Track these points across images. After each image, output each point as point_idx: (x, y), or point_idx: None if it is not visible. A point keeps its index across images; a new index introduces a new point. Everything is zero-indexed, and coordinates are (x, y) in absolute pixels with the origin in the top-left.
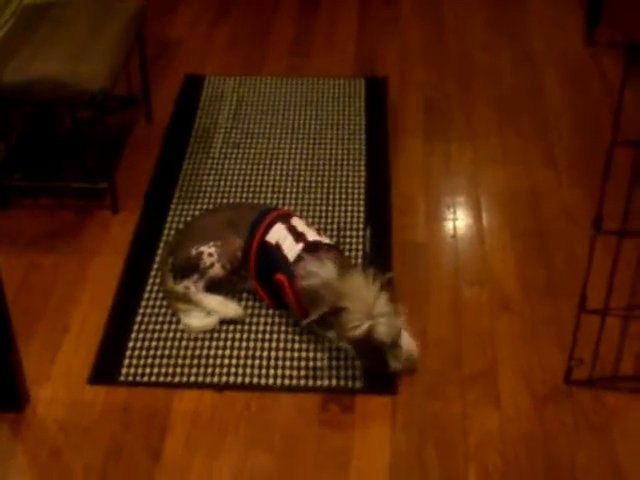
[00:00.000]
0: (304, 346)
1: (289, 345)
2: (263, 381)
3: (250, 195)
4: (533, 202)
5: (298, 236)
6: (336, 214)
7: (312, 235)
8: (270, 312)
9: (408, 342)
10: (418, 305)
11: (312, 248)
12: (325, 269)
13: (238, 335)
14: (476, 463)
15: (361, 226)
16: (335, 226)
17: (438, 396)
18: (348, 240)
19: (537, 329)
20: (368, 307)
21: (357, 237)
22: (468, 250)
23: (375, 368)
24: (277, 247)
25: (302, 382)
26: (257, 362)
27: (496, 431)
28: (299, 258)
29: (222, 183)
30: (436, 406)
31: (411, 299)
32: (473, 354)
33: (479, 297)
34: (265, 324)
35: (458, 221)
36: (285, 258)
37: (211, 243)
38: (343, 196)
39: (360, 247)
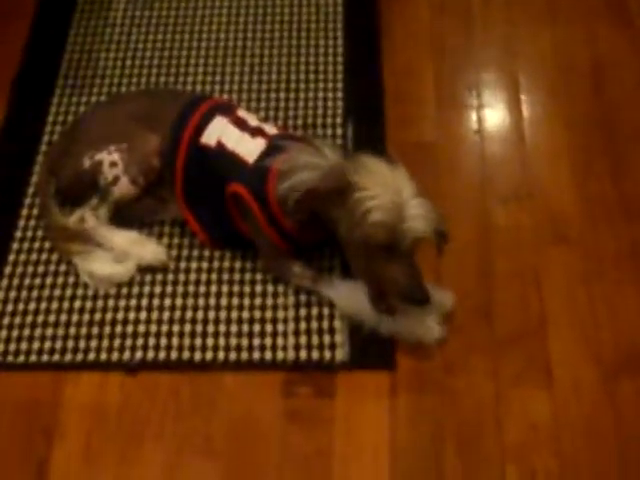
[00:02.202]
0: (258, 302)
1: (235, 302)
2: (198, 356)
3: (170, 80)
4: (596, 78)
5: (253, 131)
6: (300, 104)
7: (272, 129)
8: (207, 254)
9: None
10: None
11: (283, 139)
12: (326, 157)
13: (158, 290)
14: (517, 467)
15: (339, 121)
16: (300, 122)
17: (459, 371)
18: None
19: (605, 269)
20: (394, 192)
21: (334, 138)
22: (500, 152)
23: (408, 295)
24: (221, 148)
25: (256, 355)
26: (188, 328)
27: (546, 420)
28: (270, 151)
29: (127, 63)
30: (456, 386)
31: None
32: (510, 307)
33: (517, 221)
34: (199, 272)
35: (485, 109)
36: (239, 161)
37: (112, 147)
38: (311, 76)
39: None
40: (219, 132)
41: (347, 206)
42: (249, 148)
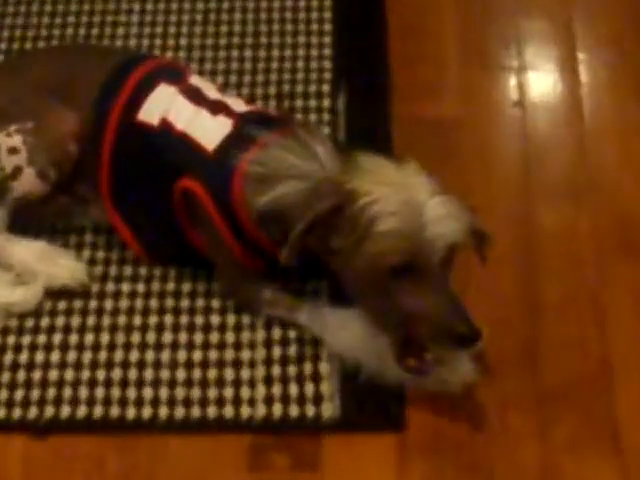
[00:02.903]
0: (214, 339)
1: (183, 338)
2: (131, 413)
3: (94, 32)
4: None
5: (214, 105)
6: (273, 66)
7: (239, 105)
8: (144, 272)
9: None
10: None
11: (257, 124)
12: (317, 158)
13: (77, 321)
14: None
15: (326, 89)
16: (272, 91)
17: (491, 432)
18: (301, 115)
19: None
20: (406, 191)
21: (319, 112)
22: (549, 131)
23: (451, 335)
24: (166, 128)
25: (212, 412)
26: (118, 375)
27: None
28: (237, 139)
29: (33, 9)
30: (488, 453)
31: None
32: (561, 346)
33: (572, 226)
34: (132, 297)
35: (528, 72)
36: (193, 147)
37: (12, 127)
38: (288, 27)
39: (325, 130)
40: (164, 106)
41: (343, 224)
42: (208, 130)
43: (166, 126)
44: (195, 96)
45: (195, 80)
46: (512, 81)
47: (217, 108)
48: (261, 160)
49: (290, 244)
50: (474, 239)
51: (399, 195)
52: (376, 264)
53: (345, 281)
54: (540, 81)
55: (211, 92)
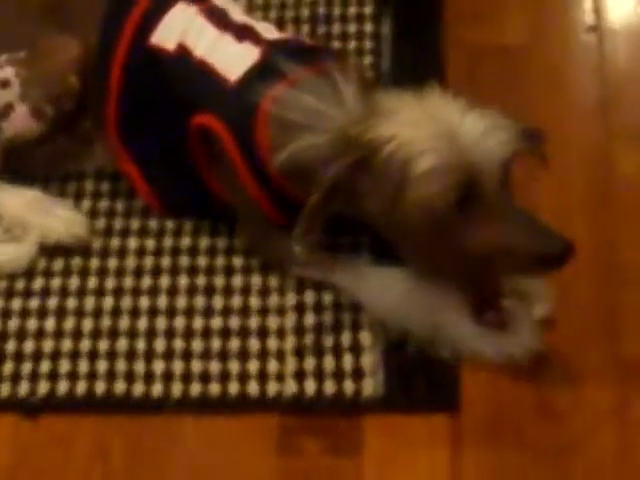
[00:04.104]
0: (237, 303)
1: (199, 303)
2: (139, 389)
3: None
4: None
5: (240, 30)
6: None
7: (270, 31)
8: (154, 226)
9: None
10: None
11: (288, 55)
12: (343, 101)
13: (75, 283)
14: None
15: (368, 11)
16: (306, 14)
17: (563, 412)
18: (339, 43)
19: None
20: (436, 120)
21: (360, 39)
22: (631, 60)
23: (546, 254)
24: (184, 54)
25: (233, 388)
26: (123, 345)
27: None
28: (265, 71)
29: None
30: (560, 436)
31: None
32: None
33: None
34: (141, 254)
35: None
36: (214, 77)
37: (2, 58)
38: None
39: (367, 60)
40: (182, 28)
41: (373, 181)
42: (231, 58)
43: (183, 52)
44: (219, 18)
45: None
46: (587, 3)
47: (243, 33)
48: (286, 101)
49: (305, 221)
50: (526, 143)
51: (427, 128)
52: (427, 210)
53: (396, 240)
54: (619, 2)
55: (237, 14)
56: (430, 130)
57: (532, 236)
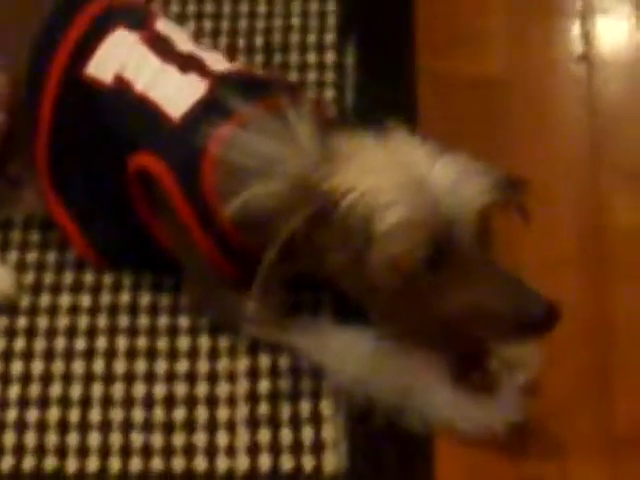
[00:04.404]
0: (182, 368)
1: (141, 368)
2: (73, 465)
3: None
4: None
5: (185, 61)
6: (261, 10)
7: (219, 61)
8: (89, 279)
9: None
10: (499, 254)
11: (237, 90)
12: (298, 142)
13: (0, 345)
14: None
15: (330, 39)
16: (260, 42)
17: None
18: (297, 75)
19: None
20: (402, 167)
21: (321, 69)
22: (624, 93)
23: (528, 318)
24: (122, 88)
25: (178, 464)
26: (55, 416)
27: None
28: (211, 108)
29: None
30: None
31: None
32: None
33: None
34: (74, 313)
35: (597, 17)
36: (155, 114)
37: None
38: None
39: (328, 93)
40: (120, 59)
41: (333, 235)
42: (175, 92)
43: (121, 85)
44: (162, 47)
45: (162, 26)
46: (575, 29)
47: (189, 64)
48: (234, 144)
49: (261, 278)
50: (504, 192)
51: (392, 175)
52: (394, 270)
53: (362, 299)
54: (611, 29)
55: (182, 42)
56: (395, 178)
57: (512, 299)
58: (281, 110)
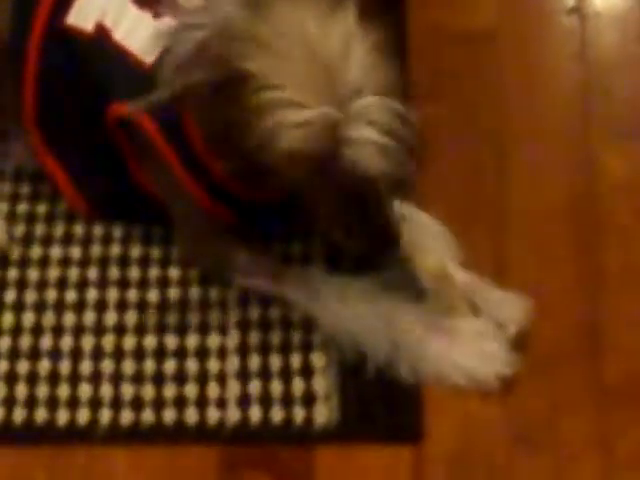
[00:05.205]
0: (172, 320)
1: (131, 320)
2: (64, 417)
3: None
4: None
5: (159, 4)
6: None
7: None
8: (80, 231)
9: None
10: (493, 219)
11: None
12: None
13: None
14: None
15: None
16: None
17: (538, 441)
18: None
19: None
20: (327, 75)
21: None
22: (617, 47)
23: (365, 251)
24: (101, 37)
25: (169, 416)
26: (45, 368)
27: None
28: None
29: None
30: (534, 466)
31: (470, 202)
32: (630, 332)
33: None
34: (65, 264)
35: None
36: (130, 62)
37: None
38: None
39: None
40: (100, 6)
41: (243, 106)
42: (147, 40)
43: (101, 33)
44: None
45: None
46: None
47: (163, 6)
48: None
49: (173, 95)
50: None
51: (312, 83)
52: (295, 164)
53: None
54: None
55: None
56: (309, 73)
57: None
58: None
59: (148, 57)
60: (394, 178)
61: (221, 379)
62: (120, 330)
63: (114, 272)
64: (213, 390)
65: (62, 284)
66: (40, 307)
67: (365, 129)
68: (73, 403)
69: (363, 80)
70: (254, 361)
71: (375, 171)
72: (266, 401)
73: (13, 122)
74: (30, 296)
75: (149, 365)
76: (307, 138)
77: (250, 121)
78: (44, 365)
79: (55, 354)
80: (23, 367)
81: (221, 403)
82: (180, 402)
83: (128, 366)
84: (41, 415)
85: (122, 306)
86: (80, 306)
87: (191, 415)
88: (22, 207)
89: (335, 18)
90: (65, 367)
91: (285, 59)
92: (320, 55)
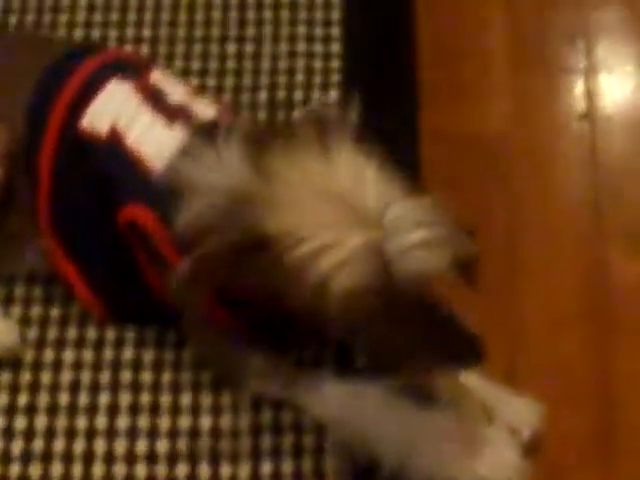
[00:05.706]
0: (185, 424)
1: (143, 424)
2: None
3: (29, 19)
4: None
5: (173, 112)
6: (265, 66)
7: (207, 110)
8: (92, 335)
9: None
10: (502, 313)
11: (208, 134)
12: (224, 166)
13: (3, 400)
14: None
15: (333, 96)
16: (264, 98)
17: None
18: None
19: None
20: (347, 206)
21: None
22: (627, 151)
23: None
24: (115, 141)
25: None
26: (57, 472)
27: None
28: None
29: None
30: None
31: (482, 308)
32: None
33: None
34: (77, 368)
35: (599, 75)
36: (142, 167)
37: None
38: (284, 14)
39: None
40: (115, 110)
41: (273, 264)
42: (158, 144)
43: (115, 137)
44: (154, 99)
45: (157, 77)
46: (579, 87)
47: (176, 115)
48: (171, 174)
49: (176, 294)
50: (458, 269)
51: (337, 217)
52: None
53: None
54: (615, 87)
55: (176, 94)
56: (326, 212)
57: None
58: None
59: (157, 162)
60: (461, 262)
61: None
62: (132, 434)
63: (126, 376)
64: None
65: (74, 387)
66: (52, 410)
67: (407, 232)
68: None
69: (383, 196)
70: (266, 466)
71: (437, 267)
72: None
73: (27, 224)
74: (43, 399)
75: (161, 470)
76: (357, 270)
77: (291, 282)
78: (57, 468)
79: (67, 458)
80: (36, 470)
81: None
82: None
83: (140, 470)
84: None
85: (134, 410)
86: (92, 410)
87: None
88: (35, 311)
89: (334, 152)
90: (77, 470)
91: (301, 209)
92: (333, 190)
